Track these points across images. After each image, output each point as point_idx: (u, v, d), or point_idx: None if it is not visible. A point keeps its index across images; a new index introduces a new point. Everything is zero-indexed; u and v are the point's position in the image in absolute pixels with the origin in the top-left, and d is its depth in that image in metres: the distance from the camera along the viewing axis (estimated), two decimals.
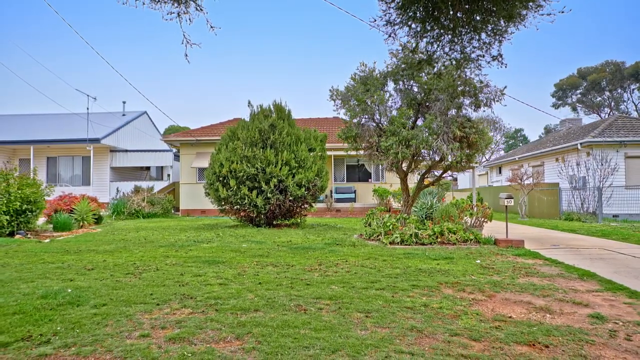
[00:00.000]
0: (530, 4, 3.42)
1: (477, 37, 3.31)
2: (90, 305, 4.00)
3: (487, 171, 31.74)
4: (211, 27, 3.87)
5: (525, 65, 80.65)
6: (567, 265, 6.37)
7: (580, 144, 17.21)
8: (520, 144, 52.49)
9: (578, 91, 45.60)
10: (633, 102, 44.59)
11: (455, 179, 36.95)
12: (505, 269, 6.06)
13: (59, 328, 3.35)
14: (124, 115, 24.76)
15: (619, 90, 44.23)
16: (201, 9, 3.74)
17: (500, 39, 3.35)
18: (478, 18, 3.55)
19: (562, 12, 3.61)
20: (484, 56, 3.37)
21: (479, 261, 6.62)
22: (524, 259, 6.90)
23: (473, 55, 3.35)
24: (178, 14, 3.40)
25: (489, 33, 3.34)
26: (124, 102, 25.33)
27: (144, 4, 3.57)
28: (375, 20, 3.92)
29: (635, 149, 16.99)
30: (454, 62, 3.50)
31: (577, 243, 8.91)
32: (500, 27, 3.24)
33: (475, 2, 3.43)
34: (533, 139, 51.19)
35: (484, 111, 8.41)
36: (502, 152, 47.47)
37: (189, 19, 3.35)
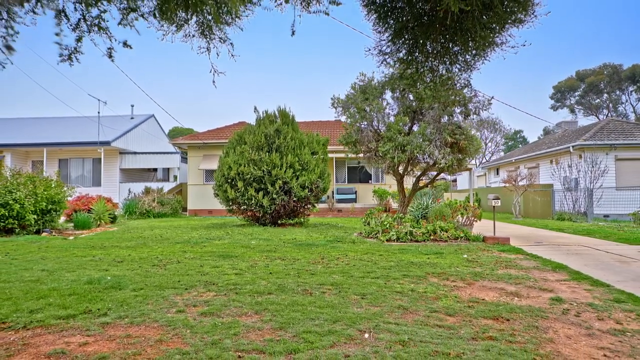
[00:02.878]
0: (496, 40, 4.16)
1: (451, 68, 4.05)
2: (129, 289, 4.76)
3: (485, 172, 32.44)
4: (232, 55, 4.63)
5: (525, 67, 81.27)
6: (544, 259, 7.09)
7: (572, 146, 17.90)
8: (520, 145, 53.16)
9: (576, 93, 46.26)
10: (631, 103, 45.23)
11: (455, 180, 37.63)
12: (488, 262, 6.79)
13: (110, 305, 4.10)
14: (132, 118, 25.56)
15: (617, 92, 44.88)
16: (224, 41, 4.50)
17: (471, 68, 4.08)
18: (456, 49, 4.30)
19: (524, 45, 4.36)
20: (456, 84, 4.12)
21: (465, 256, 7.35)
22: (507, 254, 7.63)
23: (449, 82, 4.09)
24: (207, 48, 4.15)
25: (461, 64, 4.07)
26: (132, 106, 26.17)
27: (176, 37, 4.33)
28: (369, 50, 4.68)
29: (625, 151, 17.68)
30: (432, 88, 4.24)
31: (560, 241, 9.63)
32: (470, 61, 3.98)
33: (452, 40, 4.18)
34: (532, 140, 51.85)
35: (473, 119, 9.14)
36: (502, 153, 48.16)
37: (217, 53, 4.09)
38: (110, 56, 1.74)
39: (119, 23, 1.64)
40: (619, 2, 72.72)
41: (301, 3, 3.84)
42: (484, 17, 3.72)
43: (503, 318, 3.93)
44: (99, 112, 21.26)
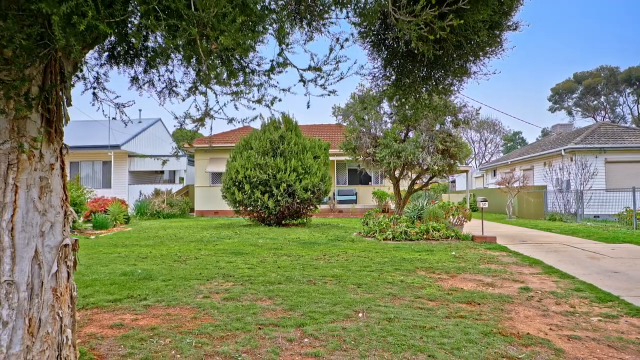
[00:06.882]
0: (472, 69, 4.96)
1: (432, 94, 4.85)
2: (159, 280, 5.56)
3: (482, 174, 33.19)
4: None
5: (526, 67, 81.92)
6: (524, 255, 7.86)
7: (564, 149, 18.64)
8: (519, 146, 53.88)
9: (574, 95, 46.96)
10: (628, 105, 45.92)
11: (454, 182, 38.37)
12: (472, 258, 7.57)
13: (147, 292, 4.91)
14: (140, 122, 26.38)
15: (615, 94, 45.57)
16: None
17: (449, 93, 4.88)
18: (437, 75, 5.10)
19: (494, 73, 5.16)
20: (436, 107, 4.91)
21: (454, 253, 8.13)
22: (492, 252, 8.40)
23: (431, 105, 4.90)
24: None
25: (440, 90, 4.87)
26: (140, 110, 27.01)
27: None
28: (365, 75, 5.48)
29: (615, 154, 18.41)
30: (415, 112, 5.05)
31: (544, 239, 10.40)
32: (447, 87, 4.77)
33: (434, 67, 4.98)
34: (531, 141, 52.54)
35: (463, 128, 9.92)
36: (501, 154, 48.89)
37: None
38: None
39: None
40: (616, 4, 73.40)
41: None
42: (456, 54, 4.51)
43: (475, 302, 4.72)
44: (109, 117, 22.08)
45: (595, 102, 46.48)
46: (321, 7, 3.26)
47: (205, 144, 21.05)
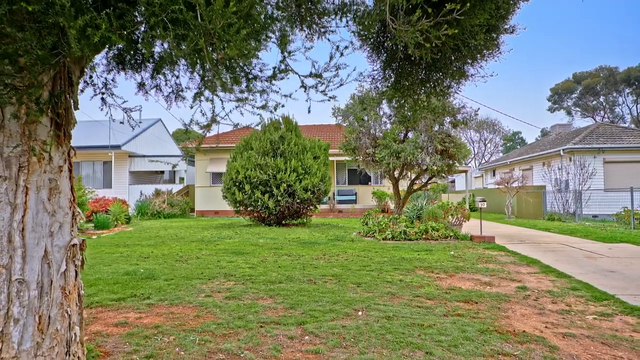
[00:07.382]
0: (469, 72, 5.04)
1: (429, 97, 4.93)
2: (162, 279, 5.64)
3: (482, 174, 33.27)
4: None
5: (525, 67, 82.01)
6: (522, 255, 7.95)
7: (563, 150, 18.73)
8: (518, 146, 53.99)
9: (573, 95, 47.05)
10: (627, 105, 46.01)
11: (453, 181, 38.47)
12: (471, 258, 7.65)
13: (150, 291, 4.98)
14: (140, 122, 26.42)
15: (614, 94, 45.67)
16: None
17: (447, 95, 4.96)
18: (436, 77, 5.19)
19: (492, 75, 5.24)
20: (434, 109, 5.00)
21: (452, 252, 8.22)
22: (490, 251, 8.48)
23: (428, 107, 4.98)
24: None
25: (438, 92, 4.95)
26: (140, 110, 27.04)
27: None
28: (364, 78, 5.56)
29: (613, 154, 18.50)
30: (413, 114, 5.14)
31: (542, 239, 10.48)
32: (445, 90, 4.86)
33: (433, 69, 5.06)
34: (530, 141, 52.67)
35: (462, 128, 10.00)
36: (501, 154, 49.01)
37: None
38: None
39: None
40: (616, 4, 73.51)
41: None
42: (454, 56, 4.59)
43: (472, 301, 4.80)
44: (110, 118, 22.15)
45: (595, 102, 46.59)
46: (321, 12, 3.35)
47: (206, 144, 21.12)
